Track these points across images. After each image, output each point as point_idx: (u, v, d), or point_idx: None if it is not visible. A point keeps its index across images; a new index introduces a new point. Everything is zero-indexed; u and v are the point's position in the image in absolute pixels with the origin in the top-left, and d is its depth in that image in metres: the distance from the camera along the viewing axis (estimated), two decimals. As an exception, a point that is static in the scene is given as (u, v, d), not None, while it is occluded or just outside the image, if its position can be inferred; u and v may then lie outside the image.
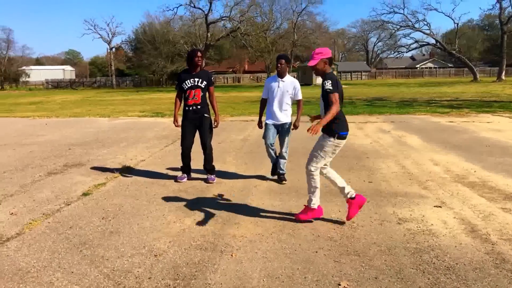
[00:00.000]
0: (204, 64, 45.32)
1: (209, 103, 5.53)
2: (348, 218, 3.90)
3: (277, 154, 5.58)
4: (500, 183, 5.18)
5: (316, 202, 3.97)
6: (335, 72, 47.96)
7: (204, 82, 5.37)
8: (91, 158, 7.28)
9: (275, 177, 5.62)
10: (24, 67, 62.23)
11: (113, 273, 3.01)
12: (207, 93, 5.47)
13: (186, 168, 5.64)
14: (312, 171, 3.90)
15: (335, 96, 3.63)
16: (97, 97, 31.48)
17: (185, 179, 5.60)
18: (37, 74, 66.52)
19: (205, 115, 5.42)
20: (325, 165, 4.00)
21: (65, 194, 5.05)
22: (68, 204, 4.63)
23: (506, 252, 3.24)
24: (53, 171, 6.26)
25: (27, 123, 13.53)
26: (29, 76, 62.75)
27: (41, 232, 3.80)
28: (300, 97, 5.47)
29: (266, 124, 5.49)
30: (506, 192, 4.79)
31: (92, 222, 4.05)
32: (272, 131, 5.45)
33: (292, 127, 5.48)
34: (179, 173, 5.73)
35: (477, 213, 4.13)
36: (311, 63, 3.80)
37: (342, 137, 3.85)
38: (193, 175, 5.77)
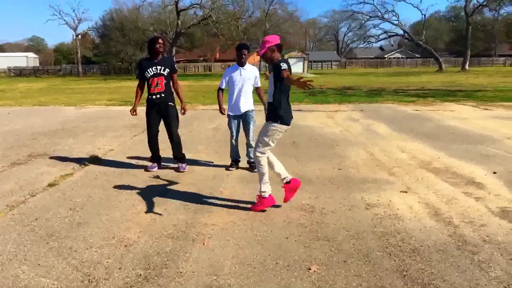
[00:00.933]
0: (174, 52, 44.69)
1: (173, 91, 5.45)
2: (285, 200, 4.02)
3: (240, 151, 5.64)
4: (462, 168, 5.39)
5: (266, 190, 3.96)
6: (306, 62, 47.45)
7: (167, 70, 5.27)
8: (57, 148, 7.06)
9: (232, 169, 5.56)
10: (-16, 54, 59.31)
11: (81, 265, 2.96)
12: (170, 81, 5.39)
13: (155, 157, 5.58)
14: (258, 157, 3.92)
15: (286, 72, 3.66)
16: (63, 85, 30.47)
17: (155, 168, 5.53)
18: (-2, 61, 63.60)
19: (170, 103, 5.35)
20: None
21: (30, 185, 4.89)
22: (34, 196, 4.49)
23: (467, 234, 3.39)
24: (17, 162, 6.04)
25: (-12, 112, 12.94)
26: (-11, 64, 59.90)
27: (6, 225, 3.68)
28: (259, 84, 5.55)
29: (228, 115, 5.50)
30: (468, 177, 4.99)
31: (59, 214, 3.95)
32: (236, 123, 5.49)
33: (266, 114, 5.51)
34: (149, 163, 5.65)
35: (440, 198, 4.29)
36: (259, 52, 3.87)
37: (286, 122, 3.89)
38: (163, 164, 5.71)
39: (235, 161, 5.62)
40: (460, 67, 45.16)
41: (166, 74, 5.26)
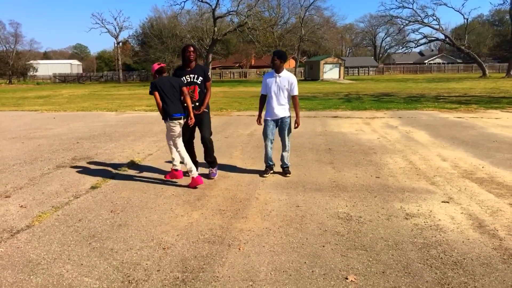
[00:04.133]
0: (210, 58, 45.39)
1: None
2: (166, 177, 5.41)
3: (273, 158, 5.63)
4: (508, 179, 5.15)
5: (193, 170, 5.03)
6: (342, 68, 47.41)
7: (200, 78, 5.19)
8: (99, 151, 7.33)
9: (267, 175, 5.55)
10: (31, 61, 62.62)
11: (122, 266, 3.04)
12: (205, 89, 5.33)
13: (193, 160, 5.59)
14: (169, 145, 5.30)
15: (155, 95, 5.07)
16: (104, 91, 31.63)
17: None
18: (45, 68, 66.94)
19: (204, 110, 5.29)
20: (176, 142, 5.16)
21: (73, 187, 5.10)
22: (77, 197, 4.68)
23: (514, 248, 3.23)
24: (62, 164, 6.32)
25: (35, 116, 13.64)
26: (36, 70, 63.15)
27: (51, 225, 3.85)
28: (295, 92, 5.43)
29: (265, 120, 5.54)
30: (514, 188, 4.76)
31: (101, 215, 4.09)
32: (271, 128, 5.51)
33: (294, 125, 5.51)
34: (185, 168, 5.74)
35: (484, 209, 4.11)
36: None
37: (173, 118, 5.01)
38: (200, 169, 5.79)
39: (269, 167, 5.63)
40: (504, 73, 43.25)
41: (199, 83, 5.19)
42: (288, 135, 5.53)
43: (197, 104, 5.22)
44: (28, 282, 2.81)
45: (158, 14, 58.98)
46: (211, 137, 5.48)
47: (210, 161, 5.55)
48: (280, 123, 5.49)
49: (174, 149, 5.24)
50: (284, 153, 5.56)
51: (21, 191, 4.94)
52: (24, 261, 3.12)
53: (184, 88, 5.14)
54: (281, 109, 5.43)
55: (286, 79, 5.39)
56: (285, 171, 5.54)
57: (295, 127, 5.53)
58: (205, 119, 5.36)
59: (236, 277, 2.86)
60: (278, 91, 5.39)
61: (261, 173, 5.60)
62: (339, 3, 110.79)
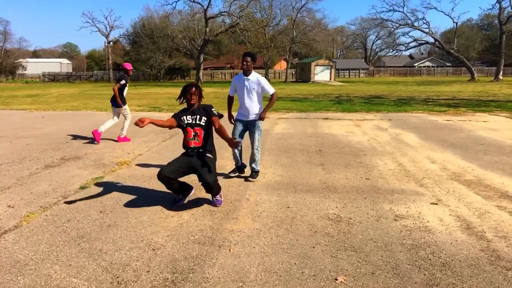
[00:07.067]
0: (202, 59, 45.23)
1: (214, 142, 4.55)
2: None
3: (244, 161, 5.60)
4: (496, 181, 5.22)
5: None
6: (333, 70, 47.88)
7: (204, 119, 4.33)
8: (88, 151, 7.27)
9: (232, 174, 5.58)
10: (20, 60, 61.91)
11: (111, 266, 3.02)
12: (210, 133, 4.46)
13: (177, 191, 4.50)
14: None
15: None
16: (94, 90, 31.37)
17: (182, 201, 4.55)
18: (34, 66, 66.19)
19: (208, 155, 4.39)
20: None
21: (62, 187, 5.05)
22: (66, 197, 4.63)
23: (501, 249, 3.27)
24: (50, 164, 6.25)
25: (23, 115, 13.47)
26: (25, 69, 62.45)
27: (39, 225, 3.81)
28: (270, 92, 5.34)
29: (235, 120, 5.52)
30: (501, 190, 4.82)
31: (90, 216, 4.06)
32: (239, 129, 5.45)
33: (258, 118, 5.38)
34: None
35: (472, 211, 4.16)
36: None
37: None
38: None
39: (237, 168, 5.60)
40: (493, 77, 43.91)
41: (203, 124, 4.33)
42: (257, 138, 5.44)
43: (200, 150, 4.34)
44: (15, 282, 2.77)
45: (150, 14, 58.83)
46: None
47: (214, 194, 4.48)
48: (250, 126, 5.44)
49: None
50: (253, 155, 5.50)
51: (9, 191, 4.88)
52: (11, 261, 3.08)
53: None
54: (251, 112, 5.36)
55: (255, 82, 5.32)
56: (251, 175, 5.46)
57: (259, 119, 5.40)
58: (210, 164, 4.31)
59: (226, 278, 2.86)
60: (248, 93, 5.34)
61: (228, 174, 5.61)
62: (330, 6, 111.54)
